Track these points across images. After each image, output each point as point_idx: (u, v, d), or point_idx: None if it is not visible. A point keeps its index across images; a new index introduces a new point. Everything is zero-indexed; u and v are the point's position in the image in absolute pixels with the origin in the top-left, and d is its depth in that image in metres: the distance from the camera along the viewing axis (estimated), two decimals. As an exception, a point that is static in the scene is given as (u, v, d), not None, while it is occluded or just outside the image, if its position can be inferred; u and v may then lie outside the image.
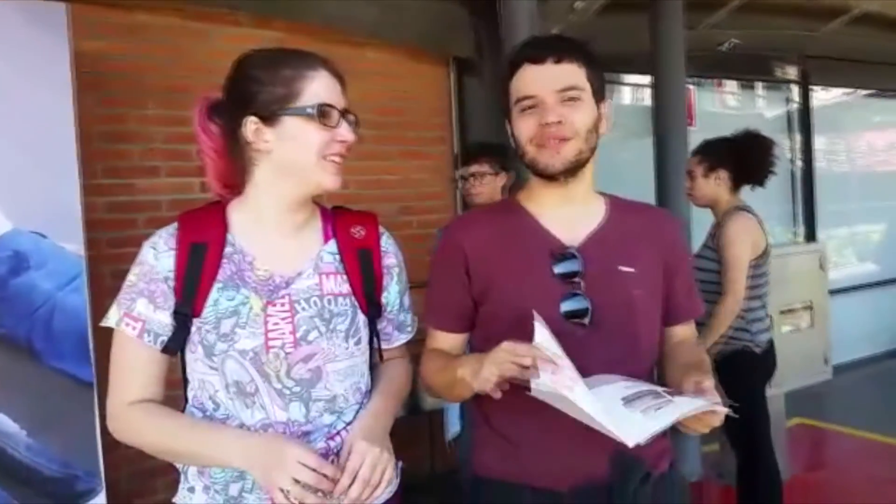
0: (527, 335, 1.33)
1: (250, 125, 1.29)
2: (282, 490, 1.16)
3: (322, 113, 1.27)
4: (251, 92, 1.28)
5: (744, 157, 2.92)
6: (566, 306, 1.37)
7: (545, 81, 1.36)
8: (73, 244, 2.38)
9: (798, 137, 6.18)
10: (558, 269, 1.38)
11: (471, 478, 1.50)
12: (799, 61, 5.89)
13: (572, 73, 1.37)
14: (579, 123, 1.36)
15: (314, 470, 1.16)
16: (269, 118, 1.28)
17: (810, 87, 6.12)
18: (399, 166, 3.89)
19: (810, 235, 6.07)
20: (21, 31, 2.30)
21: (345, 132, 1.29)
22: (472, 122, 4.03)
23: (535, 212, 1.46)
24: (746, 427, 2.72)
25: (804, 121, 6.15)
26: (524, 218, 1.46)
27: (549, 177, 1.40)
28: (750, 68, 5.74)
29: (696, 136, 4.16)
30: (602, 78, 1.42)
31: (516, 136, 1.41)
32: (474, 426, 1.53)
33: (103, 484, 2.40)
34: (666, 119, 3.70)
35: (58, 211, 2.36)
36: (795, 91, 6.16)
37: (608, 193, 1.53)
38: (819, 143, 6.23)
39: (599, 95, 1.41)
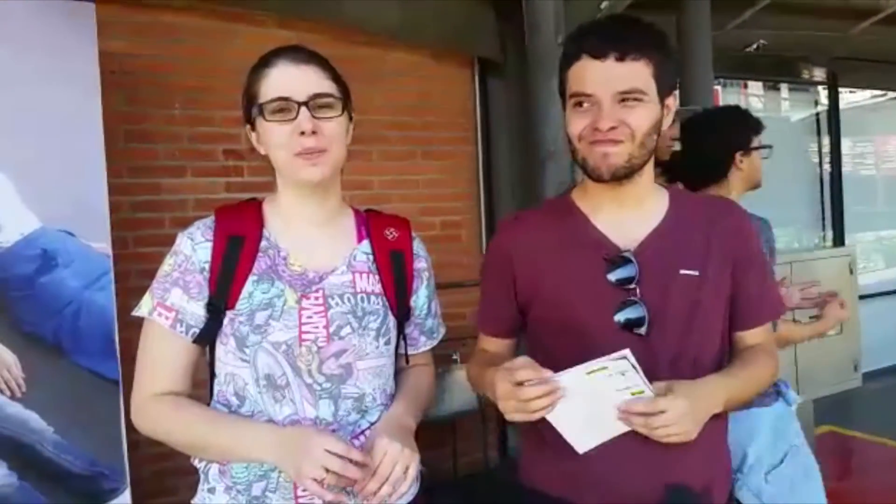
0: (576, 343, 1.30)
1: (251, 135, 1.33)
2: (315, 480, 1.14)
3: (270, 110, 1.25)
4: (242, 101, 1.32)
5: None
6: (621, 315, 1.29)
7: (604, 81, 1.24)
8: (100, 243, 2.39)
9: (825, 140, 6.10)
10: (612, 275, 1.30)
11: (515, 483, 1.45)
12: (827, 63, 5.81)
13: (636, 73, 1.24)
14: (636, 126, 1.25)
15: (342, 457, 1.15)
16: (252, 124, 1.32)
17: (838, 89, 6.04)
18: (422, 167, 3.87)
19: (838, 240, 5.98)
20: (49, 30, 2.32)
21: (302, 122, 1.24)
22: (496, 123, 4.01)
23: (588, 212, 1.37)
24: None
25: (832, 123, 6.07)
26: (577, 220, 1.38)
27: (596, 179, 1.31)
28: (777, 70, 5.68)
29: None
30: (671, 69, 1.30)
31: (568, 130, 1.32)
32: (524, 433, 1.46)
33: (128, 482, 2.41)
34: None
35: (85, 210, 2.37)
36: (822, 93, 6.08)
37: (671, 187, 1.42)
38: (845, 146, 6.15)
39: (666, 89, 1.29)
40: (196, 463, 1.35)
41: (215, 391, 1.33)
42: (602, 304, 1.30)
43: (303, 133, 1.24)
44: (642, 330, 1.28)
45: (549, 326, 1.38)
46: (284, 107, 1.25)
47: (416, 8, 3.55)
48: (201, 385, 1.35)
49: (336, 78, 1.32)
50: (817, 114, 6.14)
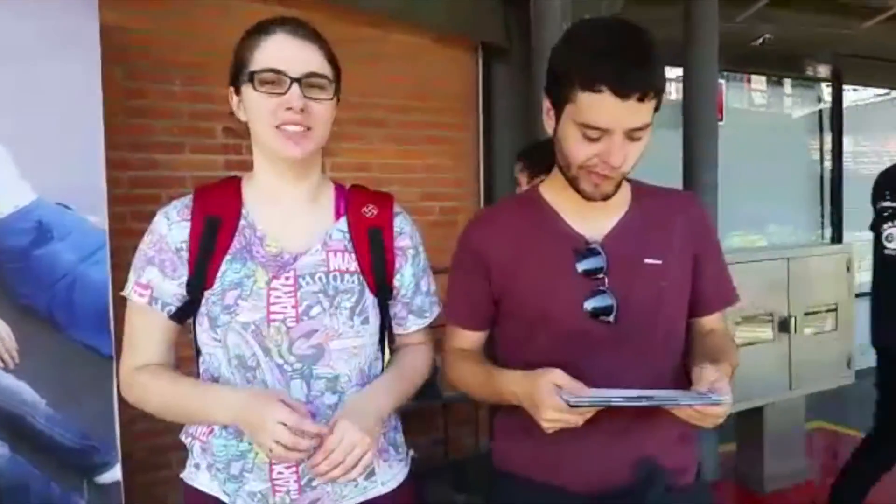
0: (547, 334, 1.36)
1: (233, 97, 1.31)
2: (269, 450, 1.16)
3: (260, 79, 1.23)
4: (231, 64, 1.30)
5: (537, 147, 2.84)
6: (590, 304, 1.33)
7: (622, 118, 1.22)
8: (97, 217, 2.38)
9: (827, 138, 6.09)
10: (581, 266, 1.34)
11: (487, 463, 1.48)
12: (832, 59, 5.79)
13: (648, 111, 1.24)
14: (635, 158, 1.28)
15: (293, 428, 1.15)
16: (237, 90, 1.29)
17: (843, 86, 6.02)
18: (423, 151, 3.85)
19: (837, 237, 5.99)
20: (51, 3, 2.29)
21: (292, 98, 1.22)
22: (499, 109, 3.99)
23: (557, 206, 1.40)
24: None
25: (834, 121, 6.06)
26: (545, 213, 1.41)
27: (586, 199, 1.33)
28: (781, 65, 5.67)
29: (725, 131, 4.11)
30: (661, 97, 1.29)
31: (565, 150, 1.30)
32: (498, 415, 1.49)
33: (119, 456, 2.42)
34: (696, 113, 3.65)
35: (82, 183, 2.36)
36: (826, 90, 6.06)
37: (632, 179, 1.44)
38: (846, 144, 6.14)
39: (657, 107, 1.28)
40: (184, 438, 1.37)
41: (201, 370, 1.35)
42: (572, 294, 1.33)
43: (289, 109, 1.22)
44: (610, 318, 1.33)
45: (522, 317, 1.40)
46: (276, 80, 1.23)
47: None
48: (188, 363, 1.36)
49: (332, 60, 1.30)
50: (820, 111, 6.12)
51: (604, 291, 1.33)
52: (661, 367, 1.36)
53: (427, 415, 3.56)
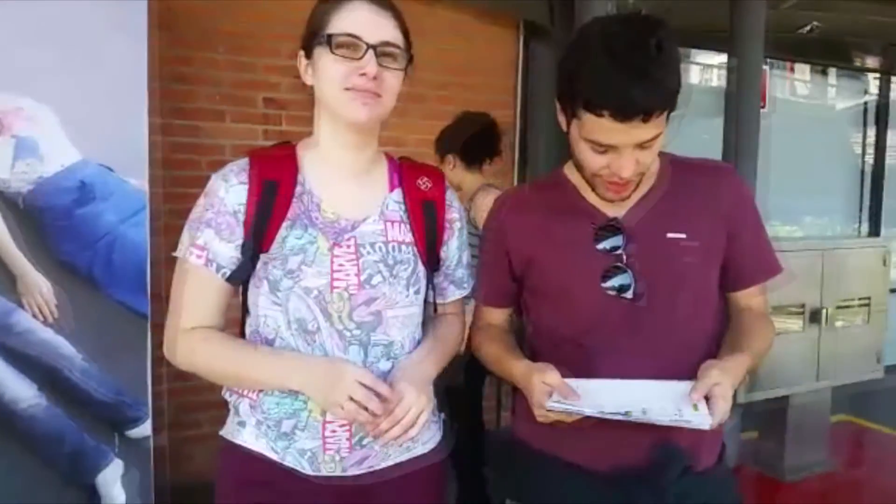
0: (569, 312, 1.37)
1: (301, 60, 1.33)
2: (341, 407, 1.19)
3: (337, 43, 1.25)
4: (305, 28, 1.32)
5: (464, 138, 2.94)
6: (609, 282, 1.33)
7: (628, 137, 1.22)
8: (137, 180, 2.43)
9: (871, 131, 5.96)
10: (601, 244, 1.35)
11: (508, 437, 1.51)
12: (881, 50, 5.64)
13: (657, 125, 1.23)
14: (648, 163, 1.28)
15: (370, 388, 1.19)
16: (308, 52, 1.31)
17: (892, 78, 5.87)
18: (460, 127, 3.84)
19: (874, 231, 5.88)
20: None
21: (367, 64, 1.24)
22: (537, 89, 3.96)
23: (579, 184, 1.41)
24: None
25: (881, 114, 5.91)
26: (568, 191, 1.42)
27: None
28: (827, 54, 5.53)
29: (765, 120, 4.05)
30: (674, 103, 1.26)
31: (578, 157, 1.31)
32: (518, 392, 1.50)
33: (150, 413, 2.48)
34: (739, 100, 3.60)
35: (125, 146, 2.40)
36: (873, 82, 5.92)
37: (664, 152, 1.41)
38: (890, 138, 6.00)
39: (672, 108, 1.26)
40: (227, 396, 1.39)
41: (248, 331, 1.36)
42: (591, 271, 1.34)
43: (363, 75, 1.24)
44: (629, 294, 1.33)
45: (543, 295, 1.43)
46: (352, 44, 1.25)
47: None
48: (233, 324, 1.38)
49: (405, 32, 1.32)
50: (865, 103, 5.98)
51: (623, 269, 1.33)
52: (687, 344, 1.34)
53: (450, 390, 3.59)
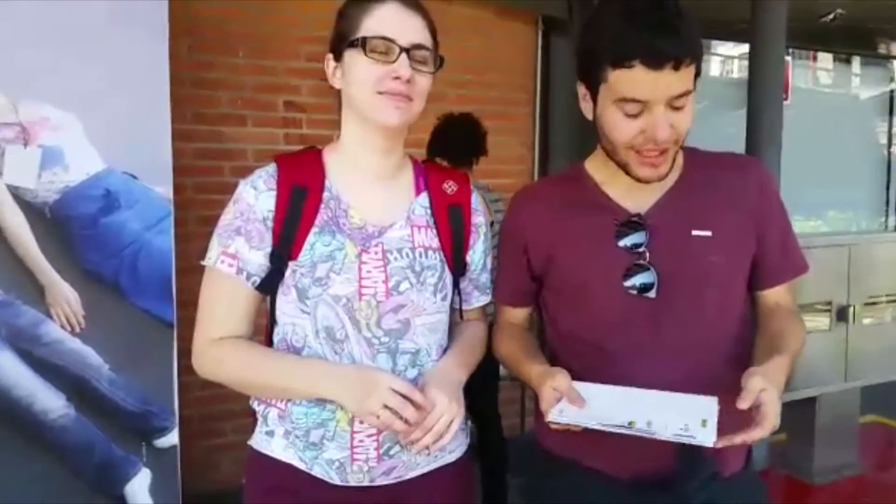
0: (589, 311, 1.34)
1: (329, 63, 1.31)
2: (375, 416, 1.17)
3: (371, 46, 1.23)
4: (332, 31, 1.30)
5: (449, 139, 2.93)
6: (630, 281, 1.29)
7: (660, 88, 1.18)
8: (162, 187, 2.43)
9: None
10: (623, 241, 1.30)
11: (530, 443, 1.48)
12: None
13: (687, 78, 1.19)
14: (682, 129, 1.23)
15: (404, 396, 1.18)
16: (337, 55, 1.29)
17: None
18: (478, 127, 3.82)
19: (901, 225, 5.82)
20: (119, -27, 2.33)
21: (400, 67, 1.23)
22: (558, 85, 3.93)
23: (600, 179, 1.37)
24: None
25: (906, 103, 5.84)
26: (588, 187, 1.37)
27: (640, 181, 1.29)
28: (850, 42, 5.45)
29: (788, 111, 4.00)
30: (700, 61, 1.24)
31: (607, 132, 1.27)
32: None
33: (177, 422, 2.49)
34: (761, 91, 3.54)
35: (149, 154, 2.40)
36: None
37: (687, 147, 1.36)
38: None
39: (697, 73, 1.23)
40: (255, 406, 1.37)
41: (275, 340, 1.35)
42: (612, 269, 1.30)
43: (396, 78, 1.23)
44: (652, 294, 1.28)
45: (562, 294, 1.39)
46: (386, 48, 1.23)
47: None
48: (260, 332, 1.37)
49: (434, 34, 1.30)
50: (891, 91, 5.90)
51: (645, 267, 1.29)
52: (711, 346, 1.30)
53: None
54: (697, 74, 1.23)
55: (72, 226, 2.32)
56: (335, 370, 1.26)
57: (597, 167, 1.39)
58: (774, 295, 1.40)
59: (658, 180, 1.28)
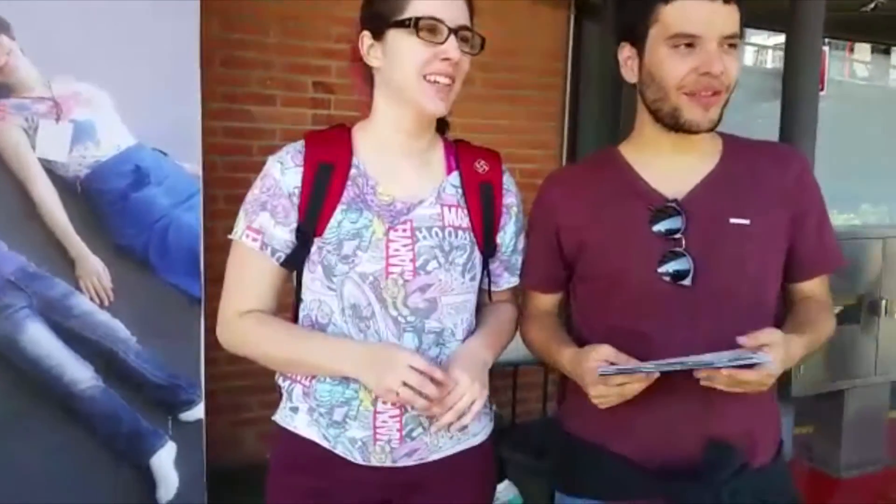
0: (622, 298, 1.32)
1: (365, 41, 1.29)
2: (395, 392, 1.18)
3: (421, 26, 1.22)
4: (367, 5, 1.29)
5: None
6: (665, 267, 1.27)
7: (713, 21, 1.20)
8: (191, 164, 2.45)
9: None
10: (658, 226, 1.28)
11: (555, 428, 1.47)
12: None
13: (736, 17, 1.22)
14: (734, 75, 1.23)
15: (423, 373, 1.17)
16: (377, 33, 1.27)
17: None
18: (507, 111, 3.80)
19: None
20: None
21: (450, 49, 1.22)
22: (588, 70, 3.89)
23: (637, 162, 1.34)
24: None
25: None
26: (622, 170, 1.35)
27: (685, 130, 1.26)
28: (890, 32, 5.33)
29: (825, 102, 3.93)
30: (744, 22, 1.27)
31: (658, 76, 1.25)
32: (571, 388, 1.46)
33: (203, 396, 2.52)
34: (797, 82, 3.48)
35: (179, 131, 2.42)
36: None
37: (725, 133, 1.36)
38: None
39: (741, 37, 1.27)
40: (280, 381, 1.39)
41: (300, 316, 1.35)
42: (646, 255, 1.28)
43: (446, 59, 1.22)
44: (687, 281, 1.26)
45: (594, 280, 1.37)
46: (436, 28, 1.22)
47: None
48: (286, 309, 1.38)
49: (472, 15, 1.30)
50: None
51: (681, 254, 1.27)
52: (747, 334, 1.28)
53: (496, 377, 3.58)
54: (742, 32, 1.25)
55: (102, 200, 2.35)
56: (356, 347, 1.26)
57: (632, 151, 1.37)
58: (808, 287, 1.38)
59: (708, 127, 1.26)
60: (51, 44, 2.24)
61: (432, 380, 1.18)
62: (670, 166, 1.32)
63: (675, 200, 1.29)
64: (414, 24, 1.22)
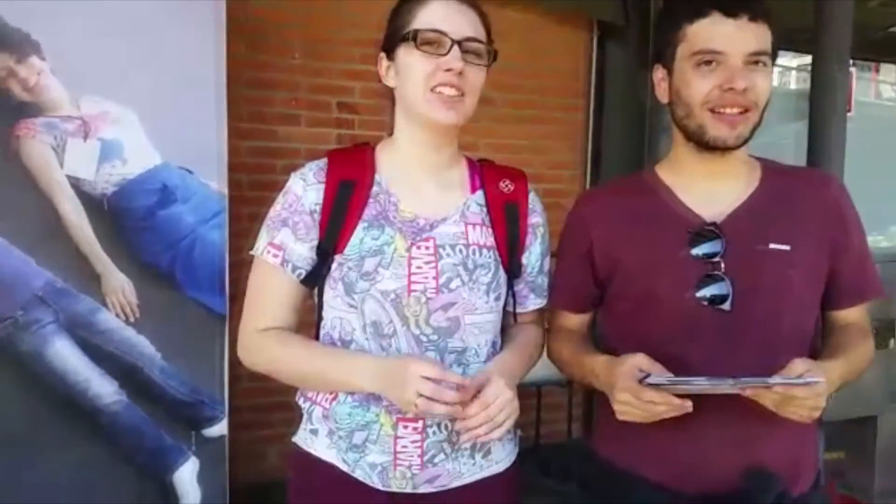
0: (657, 321, 1.30)
1: (383, 63, 1.32)
2: (415, 405, 1.16)
3: (422, 38, 1.23)
4: (385, 30, 1.31)
5: None
6: (703, 291, 1.25)
7: (737, 39, 1.21)
8: (217, 182, 2.48)
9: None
10: (697, 250, 1.26)
11: (588, 452, 1.45)
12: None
13: (764, 36, 1.23)
14: (763, 94, 1.23)
15: (438, 380, 1.15)
16: (390, 52, 1.30)
17: None
18: (530, 131, 3.80)
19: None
20: (178, -26, 2.39)
21: (451, 59, 1.22)
22: (611, 91, 3.89)
23: (675, 185, 1.34)
24: None
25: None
26: (660, 192, 1.34)
27: (712, 148, 1.26)
28: (917, 54, 5.28)
29: (851, 123, 3.89)
30: (777, 44, 1.29)
31: (684, 93, 1.26)
32: (601, 403, 1.44)
33: (226, 412, 2.52)
34: (824, 104, 3.45)
35: (204, 150, 2.45)
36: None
37: (763, 158, 1.37)
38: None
39: (773, 62, 1.28)
40: (300, 402, 1.38)
41: (321, 333, 1.35)
42: (683, 278, 1.27)
43: (448, 71, 1.23)
44: (726, 306, 1.25)
45: (629, 300, 1.35)
46: (437, 40, 1.24)
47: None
48: (307, 326, 1.37)
49: (487, 28, 1.31)
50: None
51: (720, 278, 1.25)
52: (783, 362, 1.23)
53: (520, 398, 3.55)
54: (775, 57, 1.26)
55: (129, 218, 2.38)
56: (372, 363, 1.25)
57: (668, 173, 1.37)
58: (847, 315, 1.36)
59: (732, 146, 1.25)
60: (79, 63, 2.27)
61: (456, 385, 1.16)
62: (708, 190, 1.31)
63: (713, 223, 1.28)
64: (413, 37, 1.24)
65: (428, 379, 1.14)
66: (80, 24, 2.26)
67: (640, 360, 1.19)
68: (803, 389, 1.12)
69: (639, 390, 1.15)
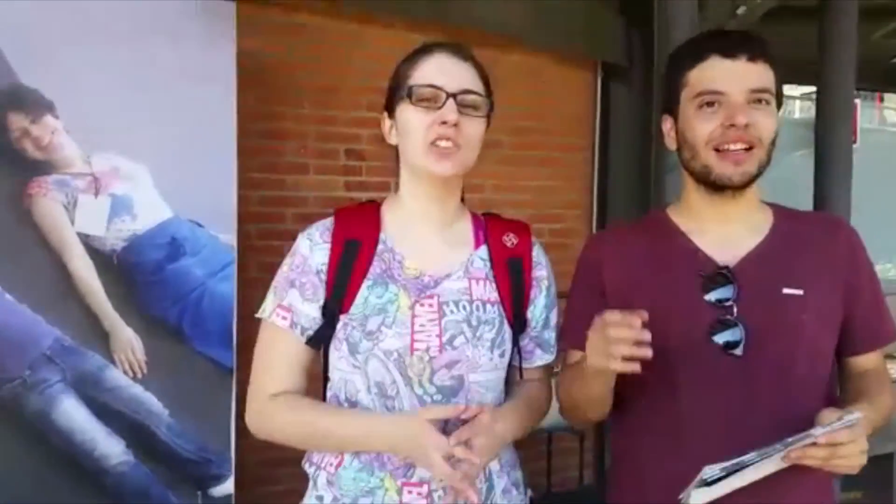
0: (667, 365, 1.26)
1: (385, 122, 1.33)
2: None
3: (417, 94, 1.25)
4: (387, 90, 1.33)
5: None
6: (717, 337, 1.24)
7: (737, 78, 1.23)
8: (226, 234, 2.47)
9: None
10: (709, 295, 1.25)
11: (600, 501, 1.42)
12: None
13: (765, 74, 1.24)
14: (766, 131, 1.24)
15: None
16: (391, 111, 1.31)
17: None
18: (535, 173, 3.79)
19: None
20: (190, 27, 2.40)
21: (446, 112, 1.23)
22: (616, 131, 3.90)
23: (687, 228, 1.33)
24: None
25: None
26: (673, 235, 1.34)
27: (719, 188, 1.27)
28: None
29: (858, 154, 3.88)
30: (781, 85, 1.30)
31: (689, 136, 1.27)
32: (617, 455, 1.43)
33: (233, 470, 2.49)
34: (829, 134, 3.45)
35: (214, 202, 2.45)
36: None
37: (774, 203, 1.37)
38: None
39: (778, 103, 1.29)
40: (306, 468, 1.36)
41: (328, 395, 1.34)
42: (695, 322, 1.26)
43: (444, 123, 1.23)
44: (738, 351, 1.23)
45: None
46: (433, 95, 1.24)
47: (541, 9, 3.47)
48: (317, 378, 1.35)
49: (486, 81, 1.31)
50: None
51: (733, 323, 1.24)
52: (799, 409, 1.22)
53: (531, 444, 3.50)
54: (780, 99, 1.27)
55: (138, 272, 2.37)
56: (384, 428, 1.24)
57: (681, 215, 1.36)
58: (864, 362, 1.34)
59: (738, 183, 1.25)
60: (92, 120, 2.28)
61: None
62: (720, 235, 1.30)
63: (726, 267, 1.27)
64: (409, 94, 1.25)
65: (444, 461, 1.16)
66: (92, 81, 2.28)
67: (610, 315, 1.14)
68: (846, 433, 1.08)
69: (602, 325, 1.12)
